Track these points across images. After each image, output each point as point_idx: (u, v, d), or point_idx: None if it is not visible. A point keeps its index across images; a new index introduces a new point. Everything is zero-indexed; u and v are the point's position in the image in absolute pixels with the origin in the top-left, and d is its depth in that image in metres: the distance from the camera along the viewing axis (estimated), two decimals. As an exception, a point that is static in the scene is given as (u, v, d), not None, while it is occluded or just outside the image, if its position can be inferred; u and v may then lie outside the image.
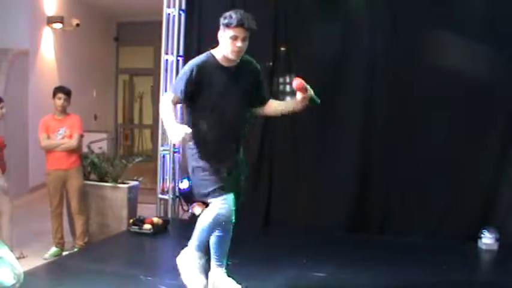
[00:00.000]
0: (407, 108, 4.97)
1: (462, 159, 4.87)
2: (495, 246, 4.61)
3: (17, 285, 2.36)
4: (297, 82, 3.04)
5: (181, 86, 2.99)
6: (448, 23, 4.80)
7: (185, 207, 5.80)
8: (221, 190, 2.98)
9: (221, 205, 2.97)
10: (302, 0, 5.36)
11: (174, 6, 5.69)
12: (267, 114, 3.36)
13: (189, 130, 2.77)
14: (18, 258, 2.68)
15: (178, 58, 5.77)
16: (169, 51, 5.73)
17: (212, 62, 3.04)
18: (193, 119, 3.06)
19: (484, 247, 4.63)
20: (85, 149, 5.42)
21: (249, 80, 3.14)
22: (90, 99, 8.46)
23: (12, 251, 2.92)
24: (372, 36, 5.09)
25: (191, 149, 3.08)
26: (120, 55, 10.27)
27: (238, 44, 2.93)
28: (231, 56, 2.99)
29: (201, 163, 3.05)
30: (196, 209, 5.42)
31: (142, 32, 9.15)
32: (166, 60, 5.74)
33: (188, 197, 5.80)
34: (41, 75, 7.43)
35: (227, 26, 2.93)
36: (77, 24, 7.92)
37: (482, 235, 4.66)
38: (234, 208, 3.01)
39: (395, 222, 5.06)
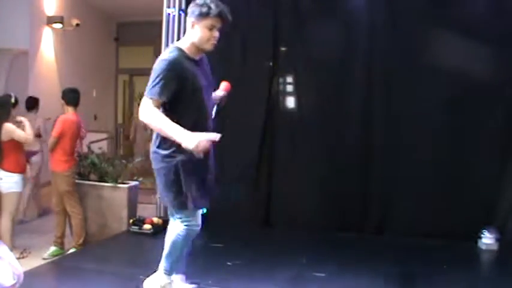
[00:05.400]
0: (407, 108, 4.96)
1: (462, 159, 4.87)
2: (495, 246, 4.61)
3: (16, 285, 2.35)
4: (226, 85, 3.27)
5: (161, 87, 2.76)
6: (448, 22, 4.80)
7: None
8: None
9: None
10: (302, 0, 5.35)
11: (174, 6, 5.68)
12: None
13: (210, 136, 2.71)
14: (18, 258, 2.68)
15: (178, 58, 5.76)
16: (169, 51, 5.72)
17: (182, 55, 2.88)
18: (171, 120, 2.78)
19: (484, 247, 4.63)
20: (85, 149, 5.41)
21: (209, 73, 3.07)
22: (90, 99, 8.44)
23: (12, 250, 2.92)
24: (372, 36, 5.09)
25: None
26: (120, 55, 10.27)
27: (216, 34, 2.87)
28: (206, 46, 2.89)
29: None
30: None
31: (142, 32, 9.14)
32: (166, 60, 5.73)
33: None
34: (41, 75, 7.43)
35: (206, 15, 2.82)
36: (77, 24, 7.92)
37: (482, 235, 4.66)
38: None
39: (395, 222, 5.06)
